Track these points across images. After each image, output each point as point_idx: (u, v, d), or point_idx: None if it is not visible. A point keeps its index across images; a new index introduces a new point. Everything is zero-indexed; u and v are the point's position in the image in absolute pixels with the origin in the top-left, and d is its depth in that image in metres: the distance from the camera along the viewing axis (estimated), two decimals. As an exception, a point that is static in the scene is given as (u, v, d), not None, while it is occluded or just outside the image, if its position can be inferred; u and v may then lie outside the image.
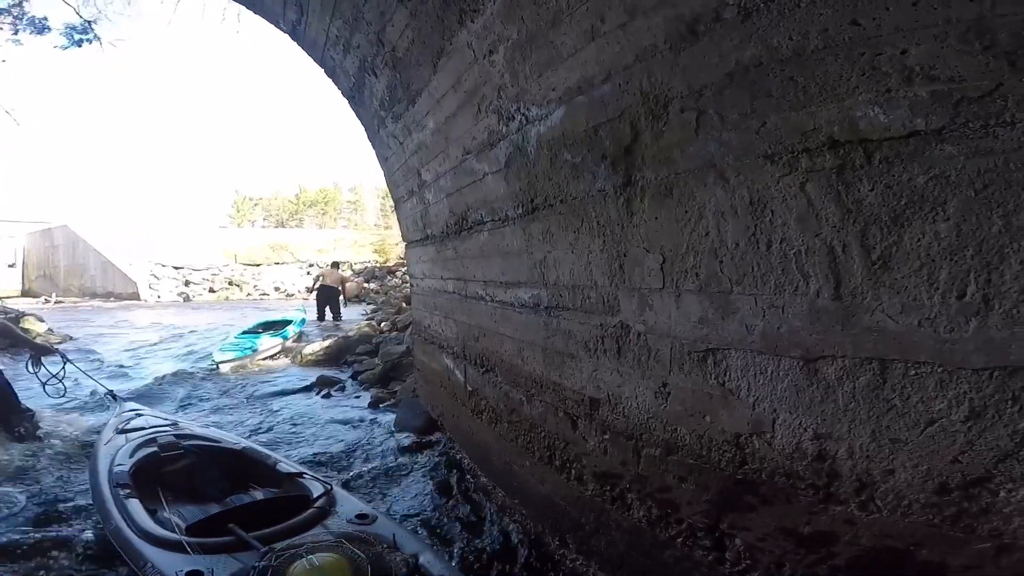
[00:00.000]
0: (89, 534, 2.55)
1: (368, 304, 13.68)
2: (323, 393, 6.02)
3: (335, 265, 12.28)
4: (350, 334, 8.11)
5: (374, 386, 6.09)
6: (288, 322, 9.00)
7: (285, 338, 8.24)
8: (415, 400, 4.83)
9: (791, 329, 1.22)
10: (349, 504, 2.28)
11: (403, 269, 18.25)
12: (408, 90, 3.04)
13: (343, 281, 11.57)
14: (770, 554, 1.32)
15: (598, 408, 1.86)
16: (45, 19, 10.04)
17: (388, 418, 4.85)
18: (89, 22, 10.23)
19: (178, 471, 2.77)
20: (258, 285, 19.81)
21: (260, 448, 3.14)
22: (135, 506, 2.26)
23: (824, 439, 1.18)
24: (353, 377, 6.53)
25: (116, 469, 2.61)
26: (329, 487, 2.34)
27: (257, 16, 4.63)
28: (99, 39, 10.29)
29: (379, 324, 8.79)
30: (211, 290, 19.03)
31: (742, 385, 1.34)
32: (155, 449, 2.82)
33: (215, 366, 7.01)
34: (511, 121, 2.16)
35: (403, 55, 2.92)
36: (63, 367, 4.37)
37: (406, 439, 4.19)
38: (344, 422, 4.87)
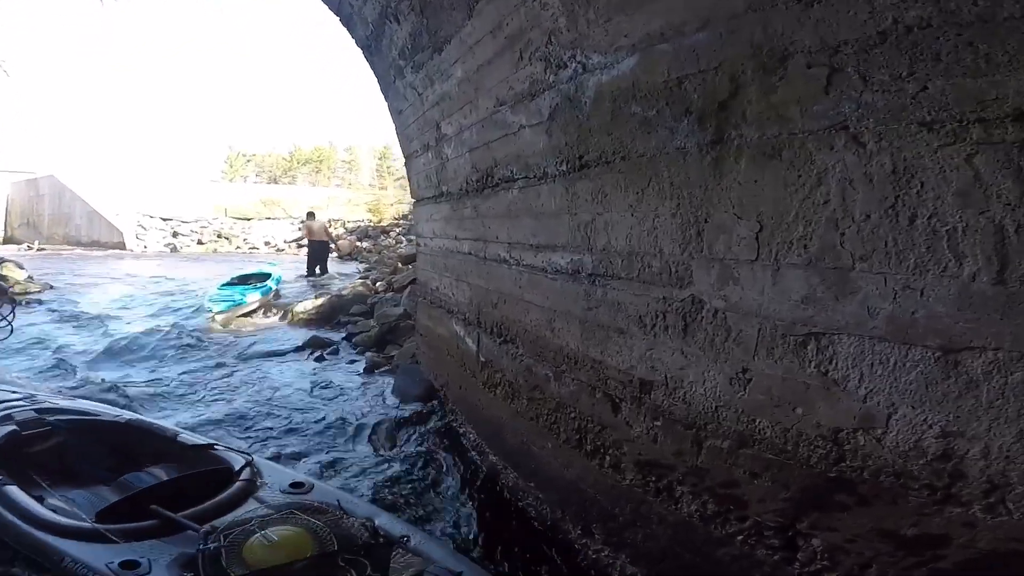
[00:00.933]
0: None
1: (361, 263, 13.39)
2: (316, 356, 5.79)
3: (311, 216, 11.67)
4: (344, 293, 7.84)
5: (369, 349, 5.85)
6: (267, 275, 8.78)
7: (266, 293, 8.05)
8: (415, 367, 4.62)
9: (930, 315, 1.03)
10: (277, 474, 2.11)
11: (397, 229, 17.93)
12: (435, 37, 2.77)
13: (328, 232, 11.15)
14: (857, 556, 1.22)
15: (650, 391, 1.67)
16: None
17: (385, 384, 4.64)
18: None
19: (48, 451, 2.37)
20: (248, 239, 19.34)
21: (150, 420, 2.81)
22: (16, 493, 1.92)
23: (953, 437, 1.05)
24: (347, 339, 6.28)
25: None
26: (250, 457, 2.15)
27: None
28: None
29: (374, 283, 8.49)
30: (199, 242, 18.60)
31: (851, 375, 1.15)
32: (13, 427, 2.36)
33: (210, 314, 7.04)
34: (562, 69, 1.92)
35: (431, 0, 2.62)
36: (12, 311, 4.00)
37: (405, 409, 4.00)
38: (339, 388, 4.67)
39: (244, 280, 8.54)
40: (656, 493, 1.71)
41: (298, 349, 5.98)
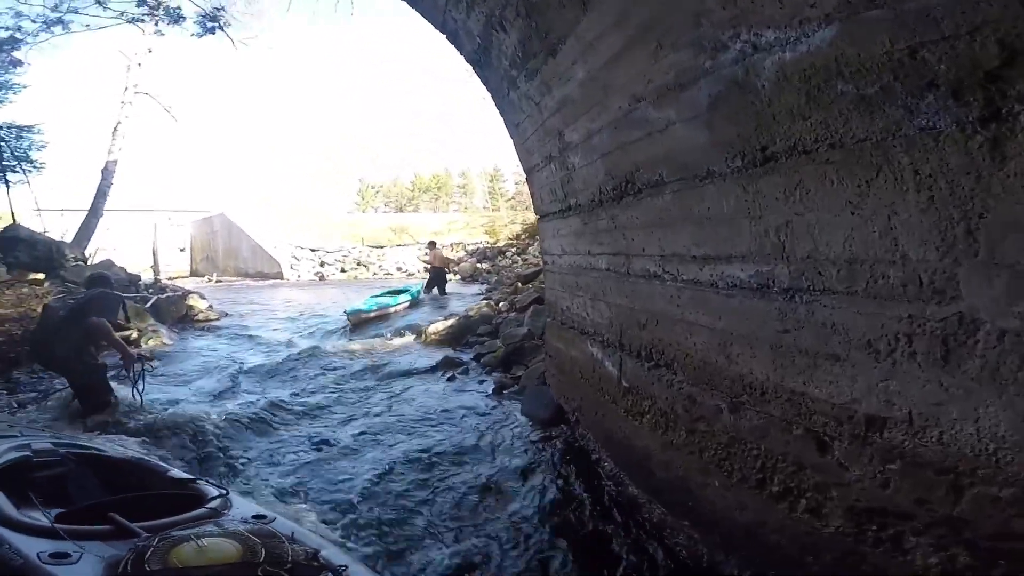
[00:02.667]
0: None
1: (482, 283, 13.78)
2: (448, 376, 5.92)
3: (432, 245, 13.23)
4: (470, 314, 8.03)
5: (496, 370, 5.89)
6: (407, 290, 11.05)
7: (413, 296, 10.50)
8: (543, 388, 4.52)
9: None
10: (246, 507, 2.11)
11: (512, 249, 18.28)
12: (546, 40, 2.62)
13: (447, 260, 13.00)
14: None
15: (881, 429, 1.31)
16: (179, 8, 11.36)
17: (513, 405, 4.61)
18: (217, 8, 11.41)
19: (52, 477, 2.53)
20: (382, 265, 21.01)
21: (150, 458, 2.92)
22: None
23: None
24: (476, 359, 6.39)
25: None
26: (225, 492, 2.16)
27: None
28: (226, 26, 11.39)
29: (497, 304, 8.63)
30: (342, 270, 20.58)
31: None
32: (28, 453, 2.56)
33: (346, 319, 8.87)
34: (721, 53, 1.66)
35: (539, 0, 2.49)
36: (142, 373, 4.50)
37: (534, 432, 3.92)
38: (470, 408, 4.70)
39: (394, 293, 10.70)
40: (876, 543, 1.36)
41: (431, 369, 6.16)
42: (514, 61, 3.14)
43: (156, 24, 11.83)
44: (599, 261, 3.03)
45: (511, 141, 4.18)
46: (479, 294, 11.62)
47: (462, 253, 20.14)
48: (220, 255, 24.07)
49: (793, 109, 1.46)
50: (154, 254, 21.66)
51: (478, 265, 17.13)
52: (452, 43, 4.04)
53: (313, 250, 21.65)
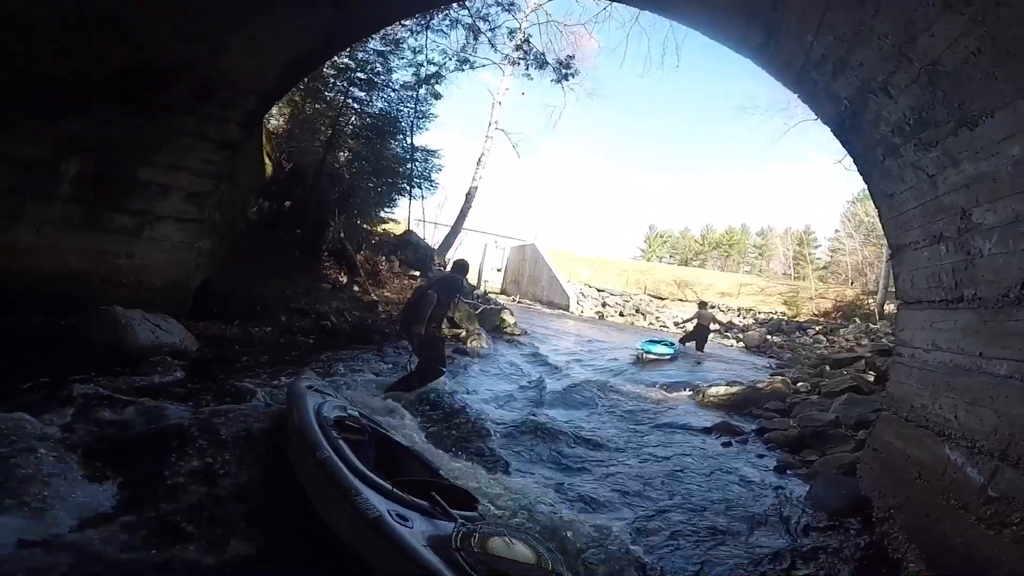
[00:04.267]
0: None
1: (770, 357, 12.51)
2: (723, 440, 5.71)
3: (703, 305, 13.86)
4: (759, 386, 7.48)
5: (782, 448, 5.44)
6: (671, 343, 11.65)
7: (674, 352, 11.09)
8: (842, 478, 4.21)
9: None
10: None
11: (818, 327, 15.96)
12: (958, 110, 2.41)
13: (713, 319, 13.33)
14: None
15: None
16: (543, 54, 13.34)
17: (797, 489, 4.27)
18: (570, 56, 13.17)
19: (351, 440, 2.92)
20: (660, 317, 21.06)
21: (424, 455, 3.26)
22: (345, 446, 2.52)
23: None
24: (758, 432, 6.01)
25: (323, 414, 2.92)
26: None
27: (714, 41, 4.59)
28: (575, 74, 12.96)
29: (794, 383, 7.83)
30: (621, 314, 21.45)
31: None
32: (345, 414, 3.11)
33: (641, 352, 10.52)
34: None
35: (952, 69, 2.33)
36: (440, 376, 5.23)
37: (819, 518, 3.64)
38: (742, 479, 4.47)
39: (655, 343, 11.40)
40: None
41: (706, 430, 6.01)
42: (899, 128, 3.01)
43: (527, 68, 13.30)
44: (996, 366, 2.63)
45: (875, 210, 3.88)
46: (766, 367, 10.66)
47: (750, 321, 18.63)
48: (525, 280, 27.75)
49: None
50: (480, 270, 26.41)
51: (768, 337, 15.56)
52: (806, 103, 4.03)
53: (599, 290, 23.21)
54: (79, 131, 4.36)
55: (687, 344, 12.39)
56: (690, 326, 13.10)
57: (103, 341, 4.38)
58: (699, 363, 11.05)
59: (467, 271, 5.78)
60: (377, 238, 12.24)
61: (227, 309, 6.48)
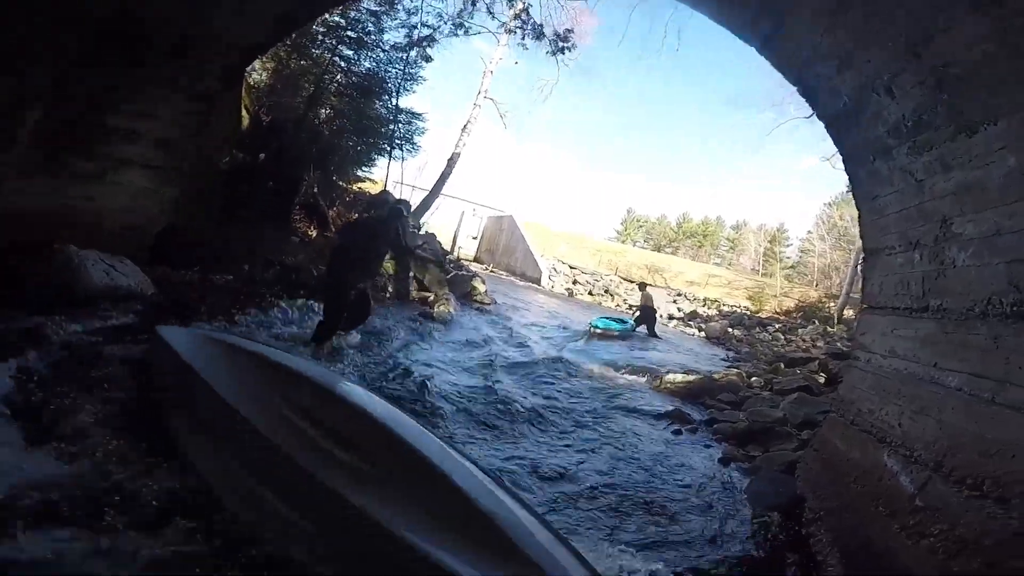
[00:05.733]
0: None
1: (729, 351, 12.80)
2: (673, 428, 5.79)
3: (643, 286, 14.30)
4: (715, 377, 7.61)
5: (728, 441, 5.53)
6: (626, 321, 12.30)
7: (625, 329, 11.65)
8: (781, 476, 4.29)
9: None
10: None
11: (777, 325, 16.36)
12: (959, 116, 2.34)
13: (652, 300, 13.56)
14: None
15: None
16: (541, 26, 12.96)
17: (737, 481, 4.40)
18: (568, 30, 12.86)
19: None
20: (628, 300, 21.28)
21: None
22: None
23: None
24: (708, 423, 6.11)
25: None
26: None
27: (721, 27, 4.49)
28: (572, 48, 12.73)
29: (748, 377, 8.01)
30: (590, 292, 21.58)
31: None
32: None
33: (592, 328, 10.86)
34: None
35: (963, 72, 2.24)
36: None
37: (755, 512, 3.75)
38: (686, 466, 4.59)
39: (612, 320, 11.89)
40: None
41: (657, 416, 6.09)
42: (896, 130, 2.95)
43: (523, 38, 13.10)
44: (948, 378, 2.65)
45: (852, 214, 3.87)
46: (724, 360, 10.90)
47: (713, 312, 18.97)
48: (499, 250, 27.67)
49: None
50: (455, 237, 26.14)
51: (729, 329, 15.90)
52: (804, 96, 3.97)
53: (572, 267, 23.25)
54: (43, 82, 4.04)
55: (638, 328, 12.56)
56: (637, 312, 13.28)
57: (56, 283, 4.18)
58: (650, 348, 11.11)
59: (401, 216, 5.25)
60: (352, 196, 11.95)
61: (189, 256, 6.30)
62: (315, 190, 9.49)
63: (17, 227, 4.12)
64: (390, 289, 8.66)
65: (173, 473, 2.28)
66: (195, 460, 2.26)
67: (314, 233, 9.40)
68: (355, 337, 5.64)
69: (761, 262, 41.04)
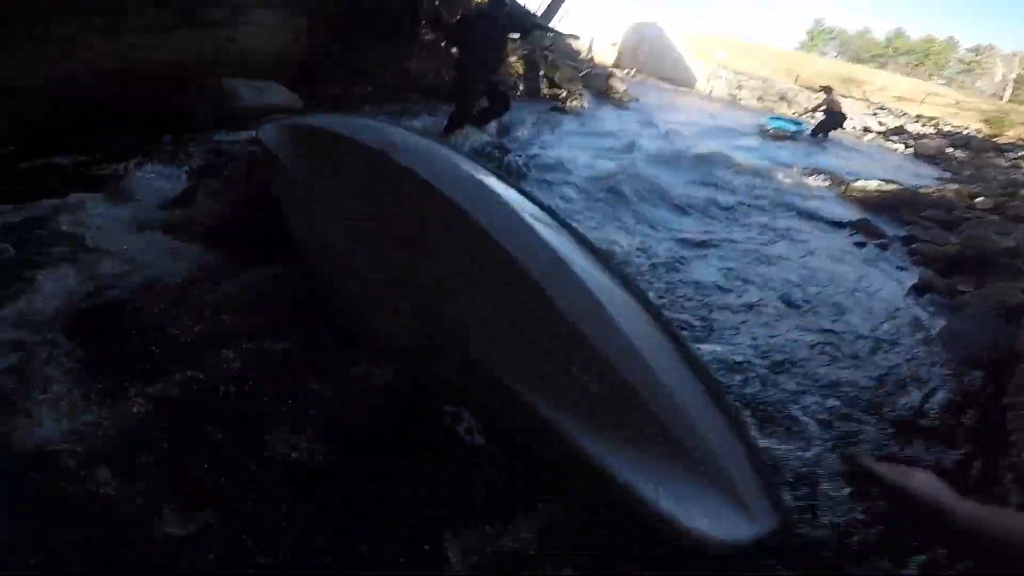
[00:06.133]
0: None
1: (945, 170, 10.42)
2: (857, 240, 4.63)
3: (828, 89, 11.46)
4: (921, 190, 5.97)
5: (930, 266, 4.25)
6: (801, 124, 11.12)
7: (799, 131, 10.51)
8: (999, 322, 3.14)
9: None
10: None
11: (1021, 153, 12.68)
12: None
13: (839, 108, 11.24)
14: None
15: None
16: None
17: (934, 317, 3.32)
18: None
19: None
20: (809, 108, 17.61)
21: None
22: None
23: None
24: (904, 240, 4.83)
25: None
26: None
27: None
28: None
29: (971, 196, 6.17)
30: (760, 99, 18.14)
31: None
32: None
33: (767, 127, 10.31)
34: None
35: None
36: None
37: (952, 366, 2.71)
38: (868, 290, 3.57)
39: (791, 122, 11.08)
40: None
41: (839, 224, 4.93)
42: None
43: None
44: None
45: None
46: (937, 179, 8.71)
47: (931, 130, 15.13)
48: (643, 55, 24.46)
49: None
50: (591, 41, 23.41)
51: (949, 149, 12.65)
52: None
53: (737, 73, 19.50)
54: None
55: (819, 136, 10.58)
56: (820, 115, 10.87)
57: (218, 106, 4.75)
58: (838, 154, 9.46)
59: (502, 4, 5.04)
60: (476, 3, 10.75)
61: (328, 75, 6.75)
62: (437, 2, 9.02)
63: (177, 73, 4.79)
64: (520, 87, 8.27)
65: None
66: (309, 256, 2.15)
67: (443, 44, 9.06)
68: (491, 127, 5.64)
69: (1010, 88, 31.15)
